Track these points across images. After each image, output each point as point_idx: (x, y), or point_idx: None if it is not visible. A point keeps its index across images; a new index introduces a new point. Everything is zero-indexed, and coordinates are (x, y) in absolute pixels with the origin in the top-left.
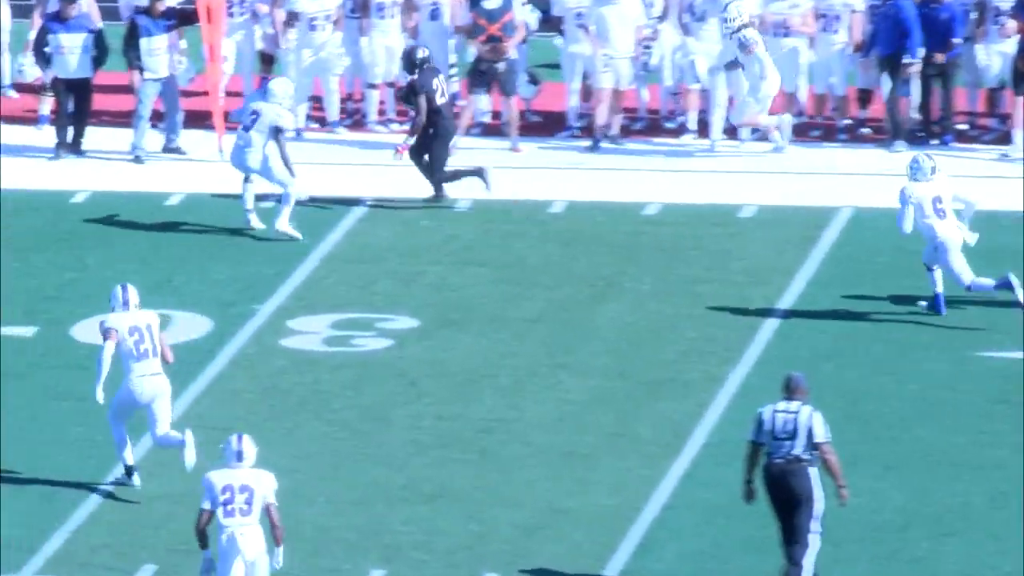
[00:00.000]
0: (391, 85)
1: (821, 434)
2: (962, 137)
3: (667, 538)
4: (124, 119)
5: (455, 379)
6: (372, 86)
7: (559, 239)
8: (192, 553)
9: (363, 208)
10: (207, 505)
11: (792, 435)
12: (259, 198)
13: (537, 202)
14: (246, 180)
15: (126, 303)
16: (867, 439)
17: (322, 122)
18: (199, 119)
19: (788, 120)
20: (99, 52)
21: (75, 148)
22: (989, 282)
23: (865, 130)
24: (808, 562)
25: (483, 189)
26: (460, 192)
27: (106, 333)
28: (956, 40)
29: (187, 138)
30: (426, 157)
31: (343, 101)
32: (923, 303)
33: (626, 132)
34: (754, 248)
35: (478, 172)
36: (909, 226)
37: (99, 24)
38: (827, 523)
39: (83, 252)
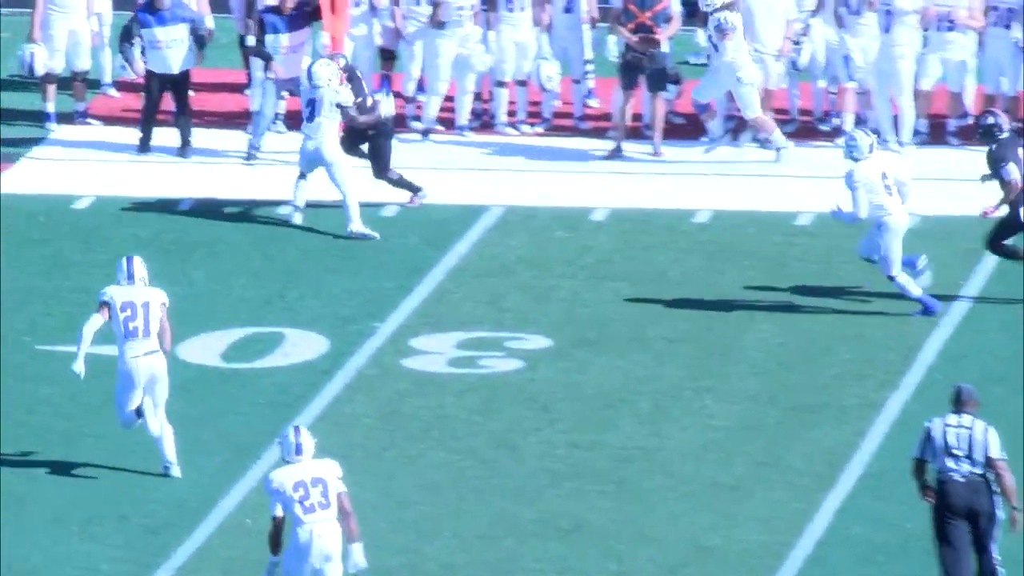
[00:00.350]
0: (522, 84)
1: (997, 451)
2: None
3: None
4: (224, 119)
5: (591, 404)
6: (501, 84)
7: (703, 251)
8: None
9: (492, 217)
10: (279, 511)
11: (968, 451)
12: (368, 205)
13: (680, 211)
14: (301, 176)
15: (131, 276)
16: None
17: (449, 124)
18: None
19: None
20: (199, 45)
21: (182, 151)
22: (912, 289)
23: None
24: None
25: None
26: (594, 200)
27: (99, 306)
28: None
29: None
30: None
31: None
32: (916, 312)
33: None
34: None
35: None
36: (865, 211)
37: (204, 14)
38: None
39: (188, 265)
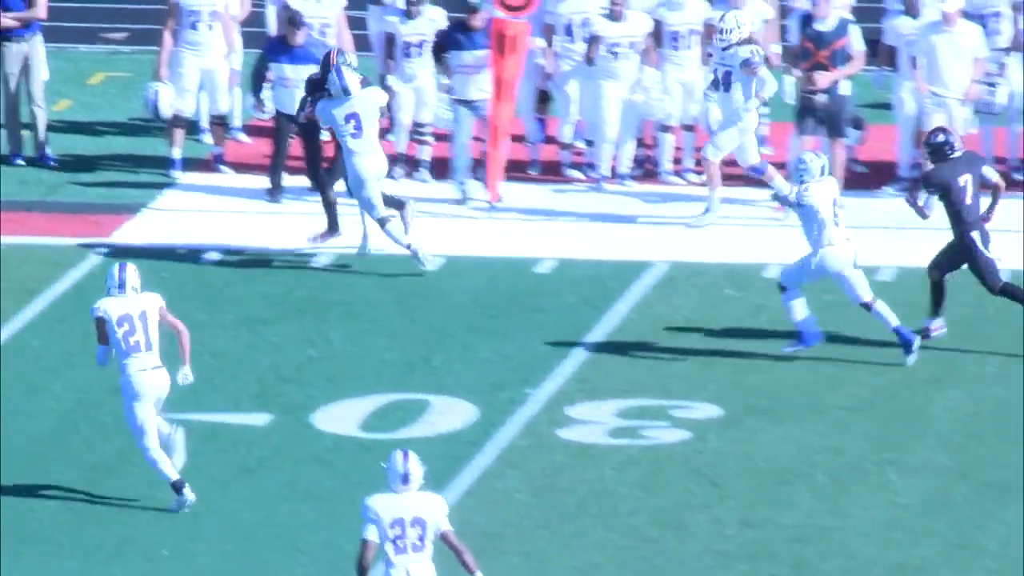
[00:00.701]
0: (688, 128)
1: None
2: None
3: None
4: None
5: (764, 478)
6: (666, 129)
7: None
8: None
9: (656, 273)
10: (372, 535)
11: None
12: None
13: (863, 268)
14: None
15: (122, 285)
16: None
17: (612, 172)
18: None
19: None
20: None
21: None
22: (889, 317)
23: None
24: None
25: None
26: (767, 256)
27: (96, 321)
28: None
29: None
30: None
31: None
32: (909, 356)
33: None
34: None
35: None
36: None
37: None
38: None
39: (325, 325)
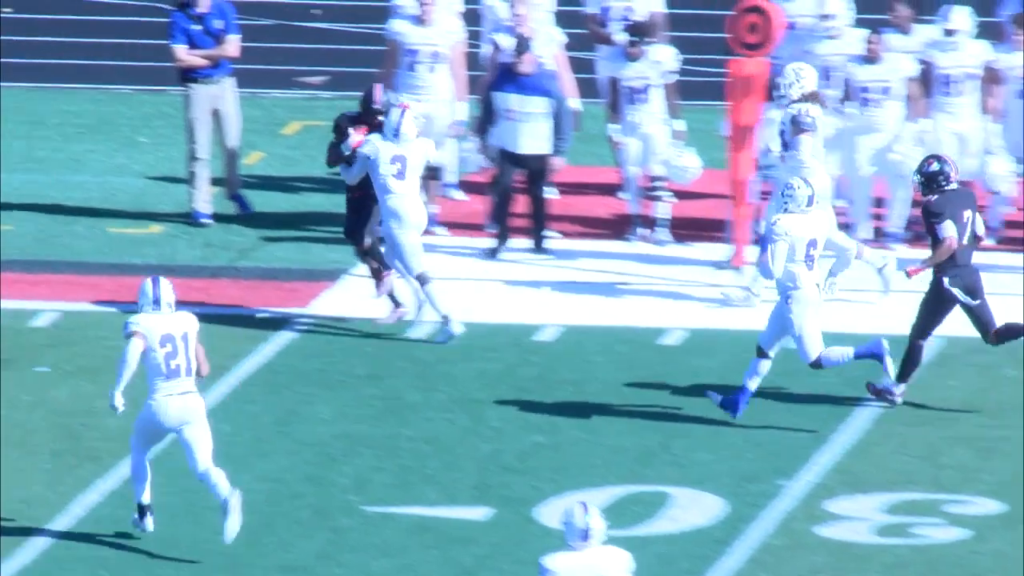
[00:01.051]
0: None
1: None
2: None
3: None
4: (589, 225)
5: None
6: None
7: None
8: None
9: (929, 350)
10: None
11: None
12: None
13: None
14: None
15: (157, 301)
16: None
17: (876, 232)
18: (698, 227)
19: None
20: (559, 128)
21: (537, 247)
22: (842, 353)
23: None
24: None
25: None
26: None
27: (131, 335)
28: None
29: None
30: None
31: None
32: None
33: None
34: None
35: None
36: (780, 269)
37: (569, 96)
38: None
39: (551, 408)
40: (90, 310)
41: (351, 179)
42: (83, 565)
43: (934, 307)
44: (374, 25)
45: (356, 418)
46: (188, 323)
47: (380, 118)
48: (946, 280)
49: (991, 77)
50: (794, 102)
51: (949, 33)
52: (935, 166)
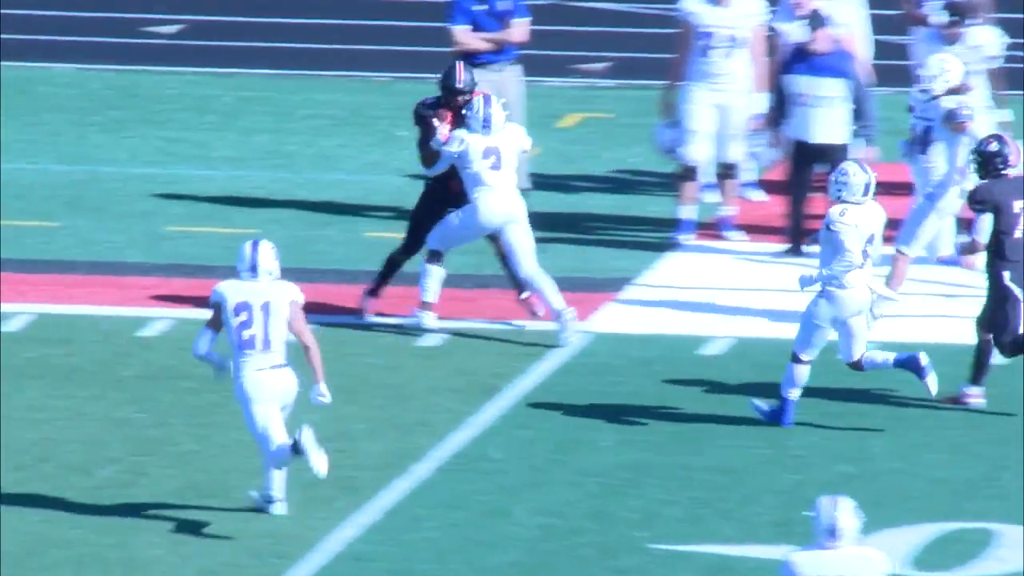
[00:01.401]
0: None
1: None
2: None
3: None
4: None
5: None
6: None
7: None
8: None
9: None
10: None
11: None
12: None
13: None
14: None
15: (254, 267)
16: None
17: None
18: None
19: None
20: (860, 114)
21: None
22: (884, 356)
23: None
24: None
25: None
26: None
27: (212, 306)
28: None
29: None
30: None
31: None
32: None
33: None
34: None
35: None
36: (860, 257)
37: (867, 82)
38: None
39: (863, 435)
40: (348, 322)
41: (434, 171)
42: None
43: (1000, 307)
44: (663, 5)
45: (643, 445)
46: (278, 292)
47: (463, 98)
48: (1006, 275)
49: None
50: (936, 97)
51: None
52: (994, 146)
